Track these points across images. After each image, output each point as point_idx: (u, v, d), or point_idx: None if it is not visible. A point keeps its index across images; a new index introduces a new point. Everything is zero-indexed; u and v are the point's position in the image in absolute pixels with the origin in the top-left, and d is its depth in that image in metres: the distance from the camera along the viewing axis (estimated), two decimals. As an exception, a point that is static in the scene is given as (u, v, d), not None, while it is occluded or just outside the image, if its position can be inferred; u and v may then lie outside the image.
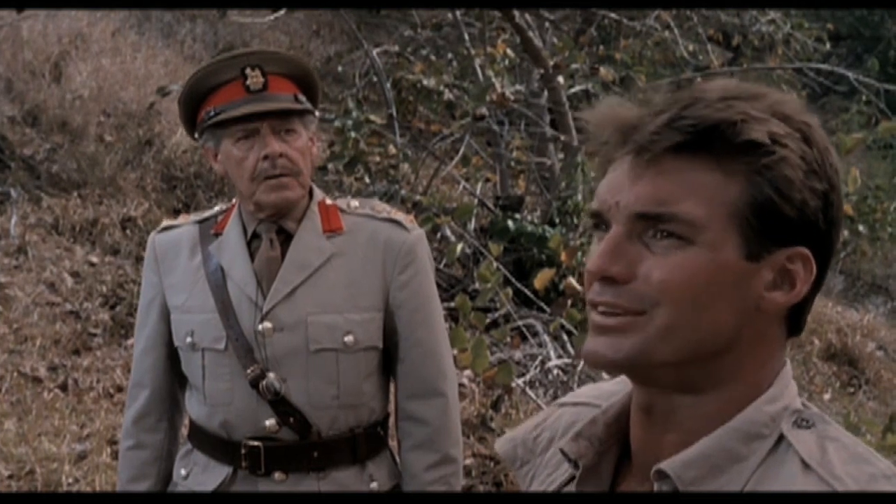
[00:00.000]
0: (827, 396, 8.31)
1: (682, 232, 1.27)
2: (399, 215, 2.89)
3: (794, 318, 1.35)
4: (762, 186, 1.26)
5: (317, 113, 2.88)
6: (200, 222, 2.92)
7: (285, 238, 2.81)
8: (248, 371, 2.72)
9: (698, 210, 1.26)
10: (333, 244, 2.80)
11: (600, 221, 1.34)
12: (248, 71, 2.74)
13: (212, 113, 2.77)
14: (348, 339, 2.75)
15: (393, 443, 2.99)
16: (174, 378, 2.92)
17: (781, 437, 1.29)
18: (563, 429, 1.50)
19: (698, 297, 1.27)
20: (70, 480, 5.20)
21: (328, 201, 2.88)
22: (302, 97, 2.80)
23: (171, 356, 2.89)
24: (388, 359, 2.88)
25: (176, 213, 8.41)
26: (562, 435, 1.49)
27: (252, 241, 2.82)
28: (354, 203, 2.92)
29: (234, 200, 2.93)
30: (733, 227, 1.27)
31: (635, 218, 1.28)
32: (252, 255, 2.80)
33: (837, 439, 1.28)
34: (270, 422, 2.74)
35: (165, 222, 3.01)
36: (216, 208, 2.98)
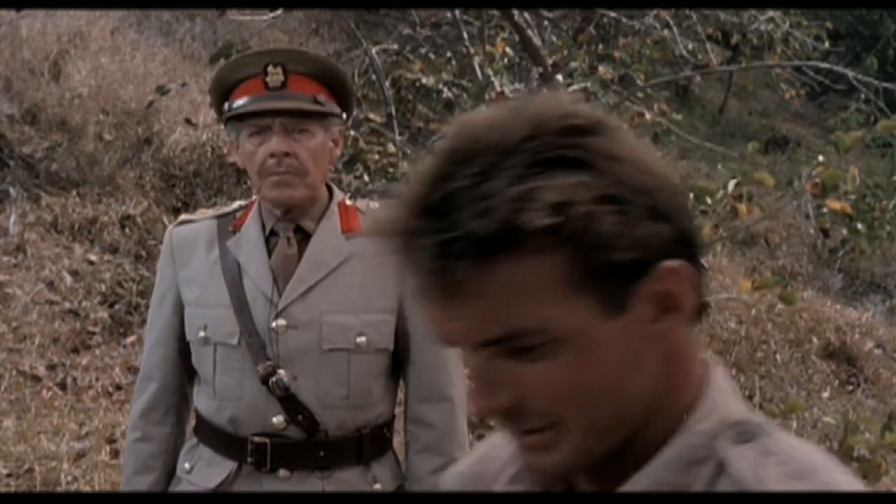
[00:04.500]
0: (825, 395, 8.33)
1: (541, 339, 1.14)
2: None
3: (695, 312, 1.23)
4: (582, 251, 1.12)
5: (344, 115, 2.88)
6: (219, 217, 2.93)
7: (303, 236, 2.81)
8: (260, 367, 2.72)
9: (541, 310, 1.13)
10: (351, 245, 2.80)
11: None
12: (270, 68, 2.75)
13: (231, 106, 2.78)
14: (361, 339, 2.76)
15: (397, 445, 2.99)
16: (183, 373, 2.92)
17: (722, 458, 1.19)
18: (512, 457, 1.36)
19: (596, 386, 1.16)
20: (69, 479, 5.20)
21: (348, 202, 2.89)
22: (322, 98, 2.79)
23: (182, 350, 2.89)
24: (398, 361, 2.88)
25: (175, 211, 8.43)
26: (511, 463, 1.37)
27: (270, 238, 2.82)
28: (374, 205, 2.92)
29: (254, 197, 2.95)
30: (580, 301, 1.14)
31: (481, 345, 1.17)
32: (270, 252, 2.80)
33: (778, 453, 1.18)
34: (278, 419, 2.74)
35: (183, 216, 3.02)
36: (235, 204, 2.99)
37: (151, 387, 2.93)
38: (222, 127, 2.88)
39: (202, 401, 2.86)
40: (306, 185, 2.75)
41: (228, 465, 2.80)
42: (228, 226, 2.89)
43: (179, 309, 2.88)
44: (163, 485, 2.93)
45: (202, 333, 2.80)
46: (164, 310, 2.92)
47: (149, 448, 2.94)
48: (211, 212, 3.00)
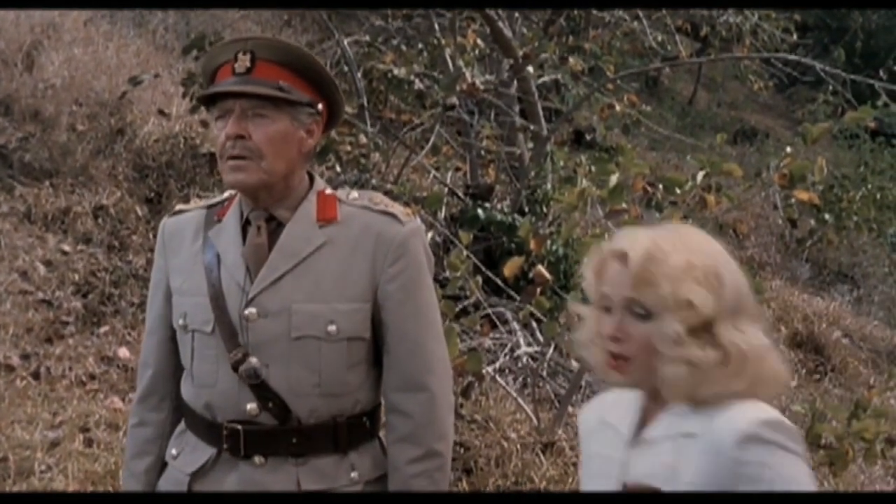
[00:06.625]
0: (793, 383, 8.38)
1: None
2: (396, 208, 2.87)
3: None
4: None
5: (321, 106, 2.86)
6: (208, 207, 2.95)
7: (277, 225, 2.82)
8: (231, 354, 2.75)
9: None
10: (325, 233, 2.80)
11: None
12: (240, 55, 2.77)
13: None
14: (331, 328, 2.75)
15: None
16: (178, 359, 2.94)
17: None
18: None
19: None
20: (43, 468, 5.21)
21: (328, 191, 2.88)
22: (286, 85, 2.77)
23: (175, 338, 2.92)
24: (379, 351, 2.87)
25: (148, 202, 8.44)
26: None
27: (247, 227, 2.83)
28: (354, 194, 2.90)
29: None
30: None
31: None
32: (245, 242, 2.82)
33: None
34: (251, 405, 2.75)
35: (178, 206, 3.05)
36: (226, 194, 2.99)
37: (148, 373, 2.97)
38: (195, 117, 2.91)
39: (185, 387, 2.89)
40: (261, 169, 2.73)
41: (208, 451, 2.82)
42: (214, 215, 2.90)
43: (169, 297, 2.91)
44: (158, 468, 2.97)
45: (182, 321, 2.83)
46: (157, 298, 2.96)
47: (145, 433, 2.98)
48: (203, 202, 3.01)
